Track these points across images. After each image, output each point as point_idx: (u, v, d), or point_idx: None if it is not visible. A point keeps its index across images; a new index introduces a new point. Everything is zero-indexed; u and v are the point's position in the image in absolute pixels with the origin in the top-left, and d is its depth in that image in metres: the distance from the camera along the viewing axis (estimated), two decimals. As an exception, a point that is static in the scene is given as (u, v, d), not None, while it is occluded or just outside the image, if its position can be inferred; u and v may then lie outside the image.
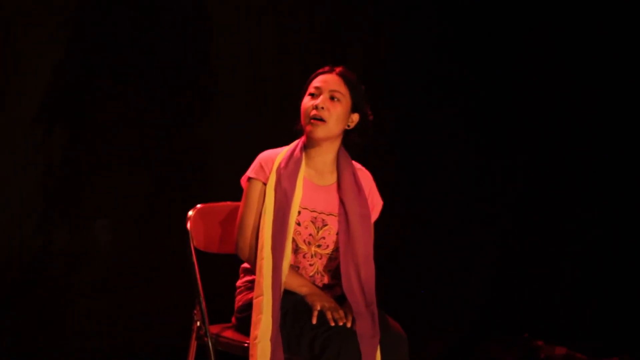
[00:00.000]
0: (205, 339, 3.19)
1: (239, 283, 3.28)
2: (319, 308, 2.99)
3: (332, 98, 3.12)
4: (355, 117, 3.18)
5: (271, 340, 2.98)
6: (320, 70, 3.19)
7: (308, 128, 3.12)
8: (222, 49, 4.48)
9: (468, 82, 4.88)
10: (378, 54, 4.73)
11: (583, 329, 4.81)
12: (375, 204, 3.24)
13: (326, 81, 3.14)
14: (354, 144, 3.22)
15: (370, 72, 4.66)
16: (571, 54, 4.86)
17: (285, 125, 3.25)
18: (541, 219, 4.96)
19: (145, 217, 4.36)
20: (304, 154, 3.16)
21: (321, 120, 3.10)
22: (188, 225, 3.30)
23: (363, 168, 3.26)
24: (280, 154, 3.17)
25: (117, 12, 4.26)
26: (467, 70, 4.87)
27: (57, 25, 4.18)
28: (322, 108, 3.09)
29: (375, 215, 3.24)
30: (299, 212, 3.12)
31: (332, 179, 3.19)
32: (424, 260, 4.85)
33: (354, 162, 3.24)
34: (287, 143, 3.22)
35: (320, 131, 3.11)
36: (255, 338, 2.99)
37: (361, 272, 3.09)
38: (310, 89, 3.15)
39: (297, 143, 3.20)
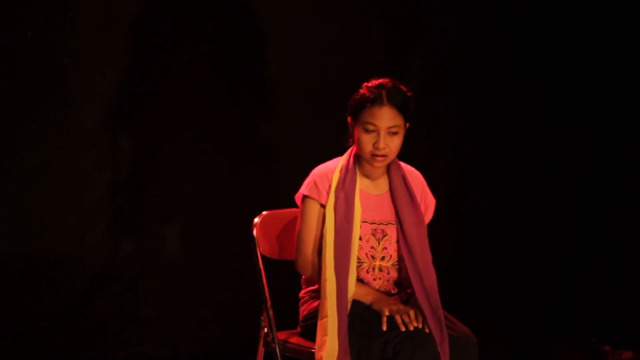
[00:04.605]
0: (273, 345, 3.19)
1: (301, 294, 3.27)
2: (387, 314, 2.97)
3: (390, 133, 3.03)
4: (407, 125, 3.10)
5: None
6: (369, 102, 3.01)
7: (370, 162, 3.06)
8: (289, 52, 4.48)
9: (530, 82, 4.84)
10: (441, 57, 4.71)
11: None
12: (429, 204, 3.21)
13: (381, 119, 3.00)
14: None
15: (433, 75, 4.66)
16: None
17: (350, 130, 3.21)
18: (606, 221, 4.91)
19: (211, 223, 4.38)
20: (357, 166, 3.12)
21: (384, 156, 3.05)
22: (254, 232, 3.31)
23: (412, 169, 3.22)
24: (335, 171, 3.12)
25: (180, 18, 4.29)
26: (529, 71, 4.83)
27: (124, 30, 4.22)
28: (384, 148, 3.02)
29: (429, 215, 3.21)
30: (359, 226, 3.09)
31: (386, 186, 3.17)
32: (491, 262, 4.81)
33: (402, 164, 3.19)
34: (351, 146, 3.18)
35: (384, 164, 3.08)
36: (321, 359, 2.97)
37: (423, 279, 3.06)
38: (365, 124, 3.03)
39: (349, 154, 3.15)
